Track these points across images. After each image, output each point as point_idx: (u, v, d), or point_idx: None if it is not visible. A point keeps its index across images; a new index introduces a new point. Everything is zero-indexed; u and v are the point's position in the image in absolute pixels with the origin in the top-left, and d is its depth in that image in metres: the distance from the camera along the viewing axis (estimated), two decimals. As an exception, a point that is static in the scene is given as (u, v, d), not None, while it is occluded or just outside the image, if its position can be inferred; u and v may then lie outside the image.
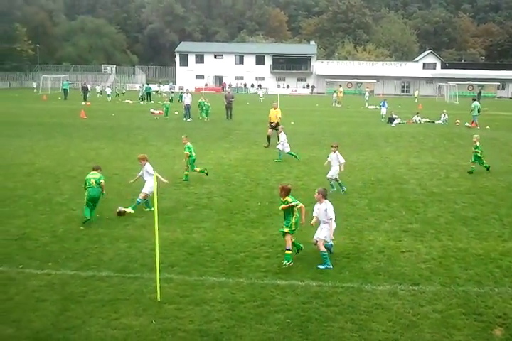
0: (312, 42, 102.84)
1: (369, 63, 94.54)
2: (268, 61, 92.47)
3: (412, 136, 27.19)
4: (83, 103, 46.20)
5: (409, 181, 15.49)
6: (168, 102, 36.49)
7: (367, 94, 55.95)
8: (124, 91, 59.71)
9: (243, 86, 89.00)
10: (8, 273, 8.08)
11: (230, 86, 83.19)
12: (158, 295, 7.26)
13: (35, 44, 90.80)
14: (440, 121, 34.72)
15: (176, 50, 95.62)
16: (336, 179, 13.72)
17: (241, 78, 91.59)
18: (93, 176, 10.98)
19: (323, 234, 8.84)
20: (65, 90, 53.13)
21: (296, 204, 8.66)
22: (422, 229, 10.71)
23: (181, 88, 72.65)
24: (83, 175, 15.10)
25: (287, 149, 18.59)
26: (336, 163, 13.59)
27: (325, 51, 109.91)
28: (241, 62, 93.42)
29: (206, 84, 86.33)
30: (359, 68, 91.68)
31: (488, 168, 16.91)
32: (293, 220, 8.72)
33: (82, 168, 16.45)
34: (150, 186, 11.15)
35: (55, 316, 6.80)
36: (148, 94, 52.84)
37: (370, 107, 49.94)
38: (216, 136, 25.07)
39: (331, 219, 8.86)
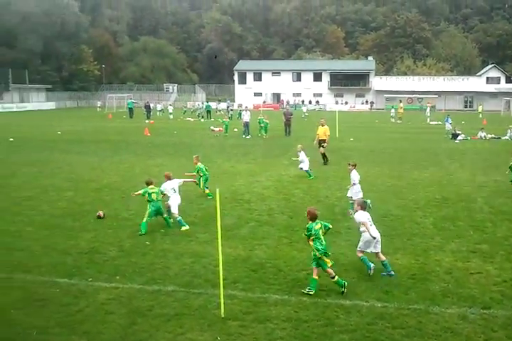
0: (370, 58, 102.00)
1: (430, 78, 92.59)
2: (326, 77, 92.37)
3: (478, 152, 26.31)
4: (146, 121, 47.72)
5: (476, 199, 14.95)
6: (228, 120, 37.08)
7: (428, 109, 54.73)
8: (194, 109, 60.84)
9: (301, 103, 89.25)
10: (78, 286, 8.40)
11: (288, 103, 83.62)
12: (222, 311, 7.33)
13: (100, 64, 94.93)
14: (507, 137, 33.44)
15: (234, 68, 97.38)
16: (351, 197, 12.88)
17: (298, 95, 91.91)
18: (153, 191, 11.49)
19: (359, 244, 9.13)
20: (130, 109, 55.07)
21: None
22: (492, 250, 10.29)
23: (240, 105, 73.74)
24: (148, 191, 15.66)
25: (303, 166, 18.35)
26: (352, 181, 12.92)
27: (383, 67, 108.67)
28: (298, 79, 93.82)
29: (264, 102, 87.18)
30: (419, 83, 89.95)
31: None
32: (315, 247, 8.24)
33: (146, 184, 16.98)
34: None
35: (123, 329, 6.99)
36: (209, 111, 53.90)
37: (431, 123, 48.79)
38: (275, 153, 25.21)
39: (364, 231, 8.93)
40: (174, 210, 11.86)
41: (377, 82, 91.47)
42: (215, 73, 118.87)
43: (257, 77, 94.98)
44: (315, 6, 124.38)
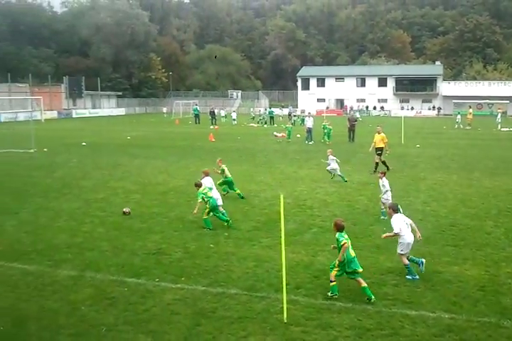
0: (438, 63, 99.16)
1: (501, 83, 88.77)
2: (391, 83, 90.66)
3: (554, 160, 24.94)
4: (211, 127, 48.63)
5: (552, 210, 14.18)
6: (291, 125, 37.13)
7: (499, 115, 52.40)
8: (259, 115, 61.41)
9: (365, 108, 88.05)
10: (146, 286, 8.66)
11: (351, 108, 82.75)
12: (285, 316, 7.33)
13: (168, 72, 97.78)
14: None
15: (297, 74, 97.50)
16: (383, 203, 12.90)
17: (363, 101, 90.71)
18: (205, 190, 12.16)
19: (398, 248, 9.15)
20: (196, 115, 56.34)
21: (340, 245, 8.20)
22: None
23: (303, 111, 73.64)
24: (212, 195, 15.95)
25: (330, 167, 18.97)
26: (384, 188, 12.96)
27: (451, 71, 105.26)
28: (363, 84, 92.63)
29: (327, 107, 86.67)
30: (490, 88, 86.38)
31: None
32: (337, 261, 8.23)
33: (211, 188, 17.30)
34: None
35: (187, 330, 7.13)
36: (272, 117, 54.21)
37: (503, 129, 46.75)
38: (339, 159, 24.93)
39: (396, 233, 9.00)
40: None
41: (445, 87, 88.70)
42: (278, 79, 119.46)
43: (321, 82, 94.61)
44: (380, 11, 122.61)
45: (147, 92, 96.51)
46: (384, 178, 13.16)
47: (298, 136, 36.54)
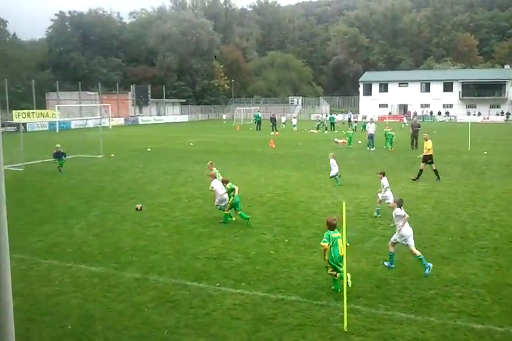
0: (507, 67, 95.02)
1: None
2: (457, 88, 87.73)
3: None
4: (272, 133, 48.85)
5: None
6: (352, 131, 36.69)
7: None
8: (319, 121, 60.99)
9: (429, 114, 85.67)
10: (207, 290, 8.81)
11: (415, 114, 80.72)
12: (346, 325, 7.25)
13: (230, 79, 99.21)
14: None
15: (359, 80, 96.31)
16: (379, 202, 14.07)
17: (427, 106, 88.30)
18: (232, 187, 13.52)
19: (393, 237, 9.96)
20: (258, 121, 56.94)
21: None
22: None
23: (364, 117, 72.58)
24: (273, 201, 16.07)
25: (333, 173, 19.28)
26: (383, 187, 14.11)
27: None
28: (427, 89, 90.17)
29: (390, 113, 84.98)
30: None
31: None
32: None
33: (271, 194, 17.38)
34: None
35: (247, 335, 7.19)
36: (332, 123, 53.81)
37: None
38: (401, 166, 24.45)
39: (407, 218, 9.89)
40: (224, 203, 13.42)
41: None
42: (340, 85, 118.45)
43: (383, 88, 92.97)
44: (446, 14, 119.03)
45: (209, 99, 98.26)
46: (384, 178, 14.16)
47: (359, 142, 36.06)
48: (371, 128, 33.58)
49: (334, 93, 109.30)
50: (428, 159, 20.47)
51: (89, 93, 78.15)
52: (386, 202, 13.52)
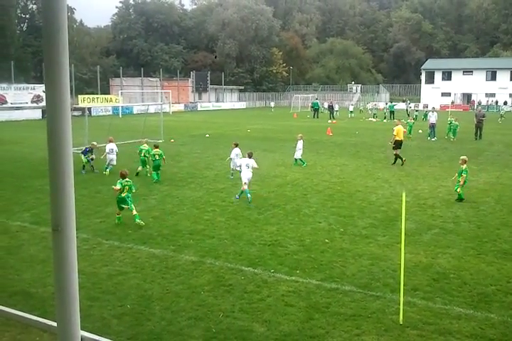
0: None
1: None
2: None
3: None
4: (329, 121, 48.33)
5: None
6: (412, 121, 35.71)
7: None
8: (369, 109, 59.81)
9: (494, 104, 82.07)
10: (261, 276, 8.89)
11: (479, 104, 77.57)
12: (401, 317, 7.14)
13: (288, 66, 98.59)
14: None
15: (422, 67, 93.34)
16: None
17: (492, 95, 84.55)
18: (157, 152, 17.12)
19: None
20: (316, 109, 56.30)
21: None
22: None
23: (425, 106, 70.42)
24: (329, 189, 15.96)
25: (297, 156, 20.77)
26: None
27: None
28: (493, 78, 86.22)
29: (453, 102, 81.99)
30: None
31: None
32: None
33: (328, 182, 17.26)
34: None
35: (301, 322, 7.21)
36: (392, 112, 52.57)
37: None
38: (463, 156, 23.56)
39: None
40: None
41: None
42: (401, 73, 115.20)
43: (446, 76, 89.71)
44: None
45: (268, 86, 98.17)
46: (235, 148, 17.55)
47: (420, 131, 35.11)
48: (433, 118, 32.63)
49: (395, 81, 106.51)
50: (398, 144, 21.63)
51: (150, 79, 79.84)
52: None
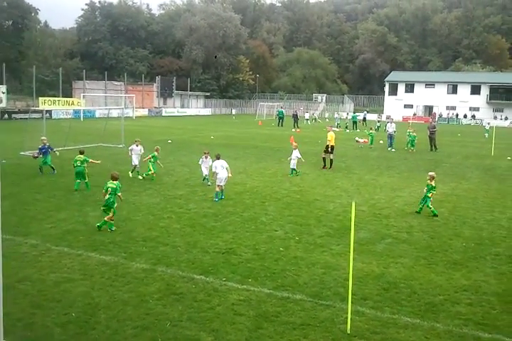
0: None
1: None
2: (485, 91, 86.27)
3: None
4: (293, 130, 48.66)
5: None
6: (374, 131, 36.33)
7: None
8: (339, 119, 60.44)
9: (455, 116, 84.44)
10: (213, 284, 8.79)
11: (440, 116, 79.64)
12: (349, 327, 7.16)
13: (255, 74, 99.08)
14: None
15: (386, 79, 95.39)
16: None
17: (453, 108, 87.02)
18: (79, 158, 16.32)
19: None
20: (281, 117, 56.56)
21: None
22: None
23: (388, 117, 71.79)
24: (288, 198, 16.00)
25: (292, 166, 20.92)
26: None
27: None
28: (454, 91, 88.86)
29: (415, 114, 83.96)
30: None
31: None
32: None
33: (287, 191, 17.31)
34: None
35: (249, 332, 7.14)
36: (355, 122, 53.42)
37: None
38: (421, 168, 24.08)
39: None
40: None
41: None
42: (366, 84, 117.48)
43: (409, 88, 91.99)
44: (478, 16, 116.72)
45: (234, 94, 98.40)
46: (208, 157, 17.87)
47: (381, 142, 35.70)
48: (390, 128, 33.28)
49: (359, 92, 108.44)
50: (328, 149, 22.96)
51: (115, 83, 78.87)
52: None
